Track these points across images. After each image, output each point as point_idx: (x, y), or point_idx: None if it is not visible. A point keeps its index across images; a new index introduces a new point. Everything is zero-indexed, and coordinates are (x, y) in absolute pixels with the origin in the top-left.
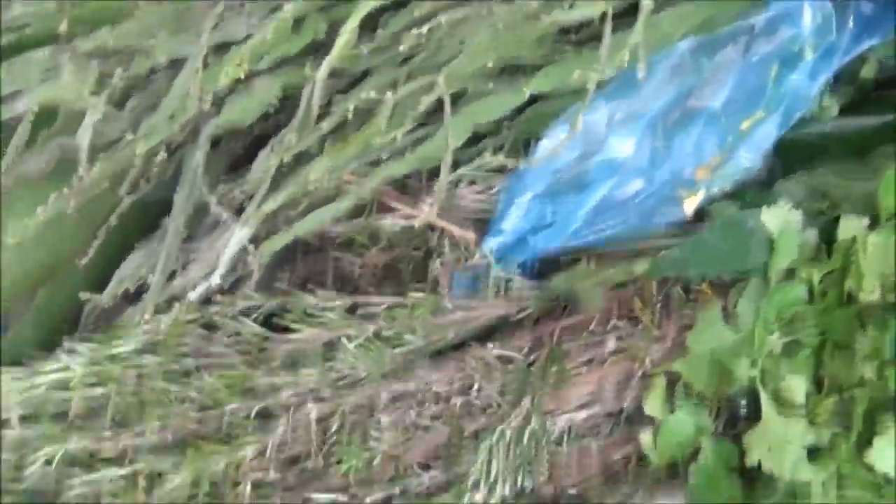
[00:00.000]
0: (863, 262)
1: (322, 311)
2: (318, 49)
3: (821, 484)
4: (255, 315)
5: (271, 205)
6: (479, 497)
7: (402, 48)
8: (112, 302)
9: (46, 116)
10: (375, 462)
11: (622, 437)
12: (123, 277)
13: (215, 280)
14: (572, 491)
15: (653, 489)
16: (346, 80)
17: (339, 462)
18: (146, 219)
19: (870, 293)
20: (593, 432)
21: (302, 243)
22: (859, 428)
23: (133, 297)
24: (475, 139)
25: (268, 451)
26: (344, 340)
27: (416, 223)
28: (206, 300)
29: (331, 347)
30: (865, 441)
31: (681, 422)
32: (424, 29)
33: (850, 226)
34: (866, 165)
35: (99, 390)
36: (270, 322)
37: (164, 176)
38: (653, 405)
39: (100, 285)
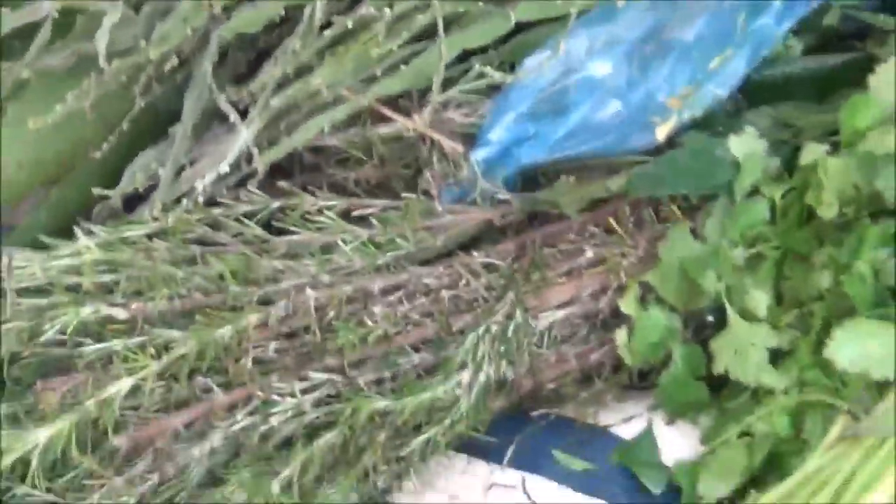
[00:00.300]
0: (823, 180)
1: (319, 216)
2: None
3: (783, 388)
4: (256, 218)
5: (276, 102)
6: (465, 376)
7: None
8: (122, 198)
9: (65, 20)
10: (370, 339)
11: (598, 341)
12: (134, 173)
13: (223, 168)
14: (551, 386)
15: (624, 392)
16: (346, 2)
17: (336, 341)
18: (157, 125)
19: (829, 209)
20: (571, 333)
21: (298, 159)
22: (817, 332)
23: (142, 199)
24: (463, 64)
25: (269, 322)
26: (339, 241)
27: (411, 128)
28: (212, 202)
29: (327, 249)
30: (823, 344)
31: (654, 320)
32: None
33: (811, 150)
34: (828, 104)
35: (109, 276)
36: (270, 226)
37: (175, 81)
38: (628, 304)
39: (112, 184)
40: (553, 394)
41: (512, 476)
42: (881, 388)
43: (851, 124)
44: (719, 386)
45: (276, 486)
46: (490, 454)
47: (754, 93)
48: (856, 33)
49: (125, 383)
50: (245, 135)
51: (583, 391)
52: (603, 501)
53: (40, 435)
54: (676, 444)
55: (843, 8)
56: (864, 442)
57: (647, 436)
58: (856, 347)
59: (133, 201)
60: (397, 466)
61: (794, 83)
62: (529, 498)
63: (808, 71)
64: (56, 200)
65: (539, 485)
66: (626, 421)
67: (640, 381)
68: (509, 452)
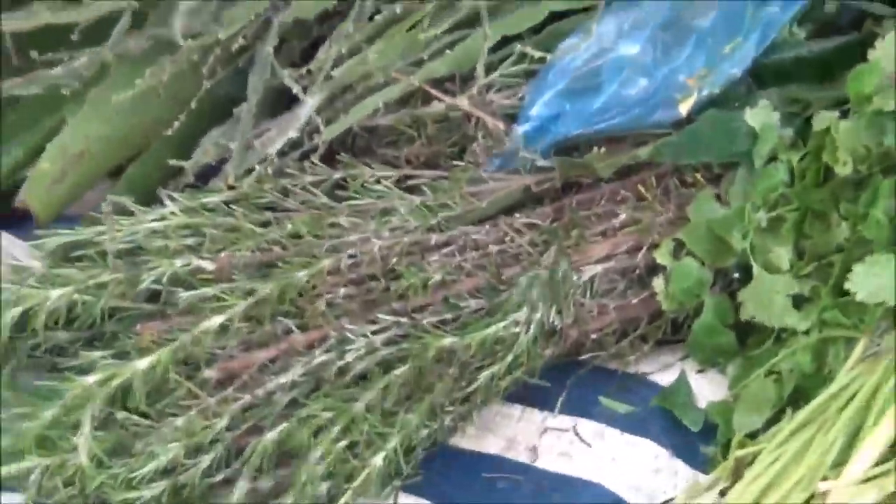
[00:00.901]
0: (837, 141)
1: (377, 185)
2: None
3: (805, 328)
4: (320, 188)
5: (336, 73)
6: (521, 315)
7: None
8: (195, 171)
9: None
10: (430, 284)
11: (636, 294)
12: (206, 148)
13: (292, 133)
14: (593, 336)
15: (659, 345)
16: None
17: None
18: (220, 108)
19: (845, 167)
20: (610, 287)
21: (351, 141)
22: (836, 277)
23: (211, 175)
24: (502, 51)
25: (340, 267)
26: (397, 203)
27: (458, 108)
28: (279, 174)
29: (386, 213)
30: (843, 290)
31: (687, 269)
32: None
33: (823, 118)
34: (831, 83)
35: (192, 239)
36: (333, 196)
37: (237, 66)
38: (663, 255)
39: (183, 160)
40: (595, 345)
41: (563, 421)
42: None
43: (858, 90)
44: (745, 337)
45: (358, 406)
46: (542, 402)
47: (763, 75)
48: (851, 22)
49: (215, 320)
50: (310, 103)
51: (622, 342)
52: (648, 439)
53: (141, 363)
54: (707, 391)
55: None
56: (883, 361)
57: (683, 381)
58: (874, 280)
59: (202, 178)
60: (462, 408)
61: (799, 65)
62: (581, 439)
63: (811, 54)
64: (133, 175)
65: (588, 427)
66: (662, 370)
67: (673, 335)
68: (560, 399)
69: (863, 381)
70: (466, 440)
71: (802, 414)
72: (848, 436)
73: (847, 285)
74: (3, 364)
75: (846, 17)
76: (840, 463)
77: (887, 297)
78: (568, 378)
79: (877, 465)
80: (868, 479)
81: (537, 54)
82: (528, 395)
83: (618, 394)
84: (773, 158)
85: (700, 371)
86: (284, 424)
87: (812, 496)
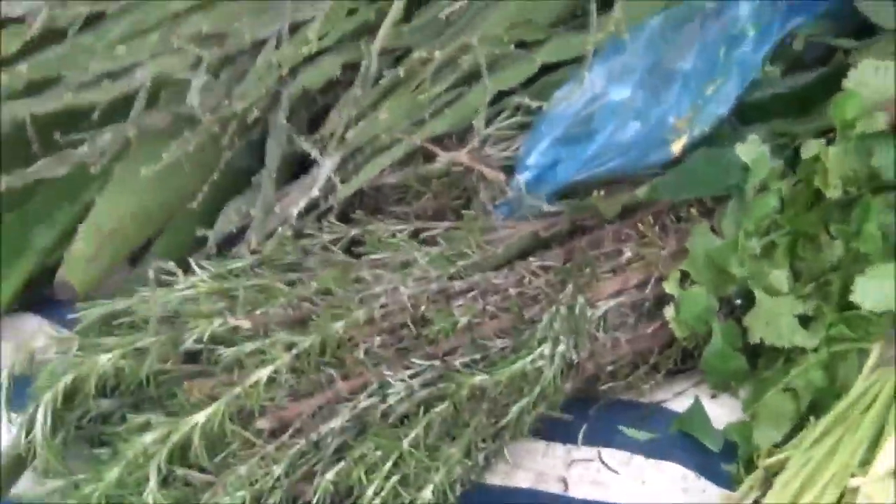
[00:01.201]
0: (826, 166)
1: (392, 239)
2: (370, 31)
3: (813, 346)
4: (337, 246)
5: (350, 135)
6: (546, 349)
7: (441, 15)
8: (220, 239)
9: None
10: (458, 327)
11: (646, 327)
12: (229, 217)
13: (313, 193)
14: (609, 369)
15: (670, 375)
16: (393, 57)
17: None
18: (238, 180)
19: (835, 190)
20: (622, 322)
21: (360, 201)
22: (838, 294)
23: (233, 243)
24: (496, 106)
25: (374, 316)
26: (416, 256)
27: (460, 163)
28: (298, 235)
29: (405, 265)
30: (845, 305)
31: (695, 297)
32: (456, 5)
33: (811, 146)
34: (811, 115)
35: (222, 303)
36: (350, 252)
37: (252, 138)
38: (671, 286)
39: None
40: (610, 377)
41: (587, 452)
42: None
43: (842, 117)
44: (754, 360)
45: (405, 444)
46: (564, 436)
47: (746, 112)
48: (817, 58)
49: (264, 372)
50: (328, 165)
51: (636, 373)
52: (673, 462)
53: (198, 417)
54: (721, 414)
55: (809, 36)
56: None
57: (698, 405)
58: (878, 289)
59: (223, 246)
60: (493, 445)
61: (778, 101)
62: (608, 467)
63: (788, 90)
64: (161, 247)
65: (613, 456)
66: (676, 397)
67: (683, 364)
68: (582, 430)
69: (880, 386)
70: (497, 477)
71: (826, 420)
72: (873, 435)
73: (853, 298)
74: (53, 437)
75: (811, 54)
76: (865, 462)
77: (892, 305)
78: (586, 411)
79: None
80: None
81: (533, 104)
82: (550, 431)
83: (636, 423)
84: (763, 189)
85: (713, 396)
86: (340, 464)
87: (843, 494)
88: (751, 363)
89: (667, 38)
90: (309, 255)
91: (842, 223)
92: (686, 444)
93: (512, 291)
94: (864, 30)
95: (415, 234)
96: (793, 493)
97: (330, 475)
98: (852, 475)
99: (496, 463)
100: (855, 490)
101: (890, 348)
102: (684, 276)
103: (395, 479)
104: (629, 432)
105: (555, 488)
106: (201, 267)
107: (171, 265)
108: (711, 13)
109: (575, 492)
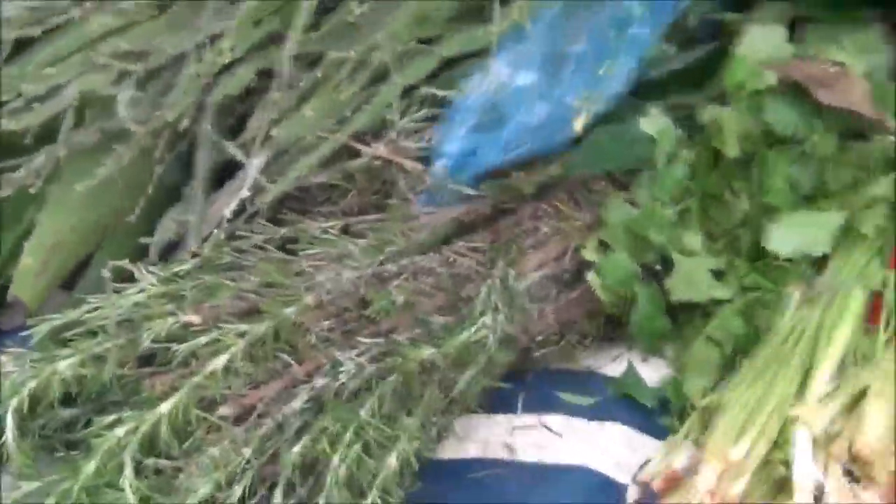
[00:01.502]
0: (724, 127)
1: (324, 234)
2: (282, 38)
3: (730, 296)
4: (272, 244)
5: (276, 136)
6: (487, 320)
7: (348, 18)
8: (161, 248)
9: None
10: (397, 304)
11: (567, 297)
12: (167, 225)
13: (243, 195)
14: (540, 338)
15: (600, 342)
16: (308, 61)
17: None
18: (174, 190)
19: (733, 149)
20: (545, 294)
21: (288, 201)
22: (748, 247)
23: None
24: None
25: (322, 300)
26: (349, 246)
27: (380, 155)
28: (233, 237)
29: (339, 258)
30: (755, 256)
31: (616, 261)
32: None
33: (709, 111)
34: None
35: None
36: (285, 250)
37: (180, 150)
38: (590, 252)
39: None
40: (542, 347)
41: (529, 419)
42: (819, 262)
43: (733, 80)
44: (678, 321)
45: (362, 414)
46: (505, 407)
47: (647, 89)
48: (711, 34)
49: (220, 360)
50: (255, 165)
51: (565, 340)
52: (614, 422)
53: (164, 407)
54: (653, 376)
55: (701, 13)
56: (820, 301)
57: (631, 368)
58: (792, 235)
59: (165, 254)
60: (443, 420)
61: (675, 77)
62: (552, 430)
63: (683, 65)
64: (102, 259)
65: (555, 421)
66: (610, 362)
67: (614, 332)
68: (521, 398)
69: (805, 323)
70: (448, 451)
71: (760, 359)
72: (804, 367)
73: (770, 247)
74: (19, 448)
75: (704, 31)
76: (800, 393)
77: (808, 248)
78: (524, 382)
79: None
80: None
81: (443, 95)
82: (493, 403)
83: (574, 389)
84: (670, 158)
85: (644, 360)
86: (304, 439)
87: (784, 424)
88: (675, 323)
89: (563, 23)
90: (246, 254)
91: (744, 180)
92: (623, 405)
93: (442, 272)
94: (750, 4)
95: (344, 229)
96: (737, 430)
97: (296, 449)
98: (790, 406)
99: (447, 437)
100: (794, 419)
101: (810, 289)
102: (602, 245)
103: (357, 447)
104: (567, 397)
105: (502, 454)
106: (149, 272)
107: (126, 267)
108: None
109: (522, 456)
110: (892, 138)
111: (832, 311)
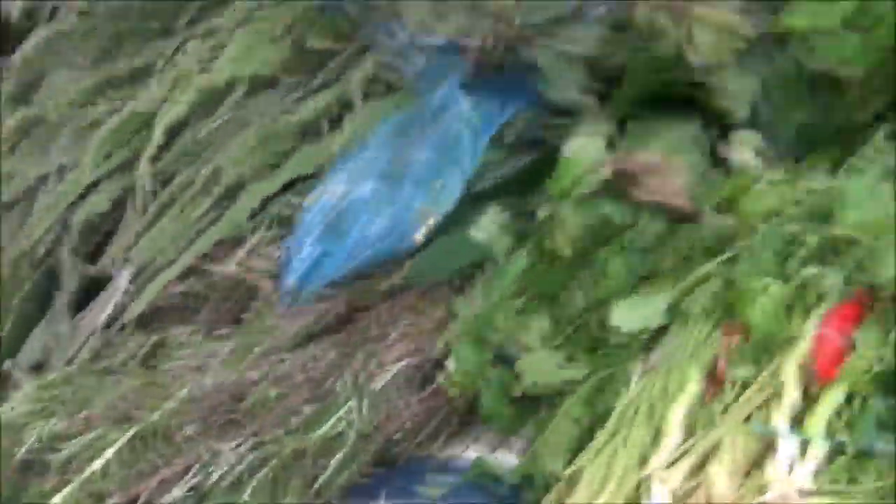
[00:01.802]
0: (558, 223)
1: (190, 341)
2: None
3: (580, 378)
4: (141, 352)
5: (134, 254)
6: (347, 413)
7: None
8: (29, 364)
9: None
10: (267, 399)
11: (425, 390)
12: (33, 344)
13: (109, 309)
14: (399, 430)
15: (458, 428)
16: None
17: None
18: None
19: (566, 248)
20: (404, 387)
21: (154, 314)
22: (592, 333)
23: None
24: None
25: (193, 397)
26: (215, 348)
27: (230, 271)
28: (104, 346)
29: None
30: (600, 339)
31: (467, 352)
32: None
33: (542, 209)
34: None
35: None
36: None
37: (43, 271)
38: (443, 345)
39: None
40: (402, 439)
41: None
42: (655, 336)
43: (562, 181)
44: (530, 405)
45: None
46: (368, 498)
47: (480, 196)
48: (533, 141)
49: (97, 463)
50: (121, 281)
51: (423, 431)
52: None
53: (55, 499)
54: (508, 460)
55: (526, 121)
56: (661, 372)
57: (485, 455)
58: (631, 313)
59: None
60: None
61: (507, 182)
62: None
63: (513, 171)
64: None
65: None
66: (466, 449)
67: (469, 418)
68: (383, 493)
69: (649, 389)
70: None
71: (608, 428)
72: (653, 431)
73: (611, 322)
74: None
75: (530, 139)
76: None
77: (647, 322)
78: (385, 475)
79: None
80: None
81: (288, 210)
82: (355, 496)
83: (433, 479)
84: (510, 253)
85: (500, 444)
86: None
87: (638, 484)
88: (528, 406)
89: (398, 139)
90: (116, 363)
91: (582, 269)
92: (482, 488)
93: (306, 369)
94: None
95: (210, 335)
96: (595, 492)
97: None
98: (642, 465)
99: None
100: (647, 478)
101: (649, 364)
102: (454, 339)
103: None
104: (425, 491)
105: None
106: (19, 387)
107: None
108: (437, 111)
109: None
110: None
111: (673, 379)
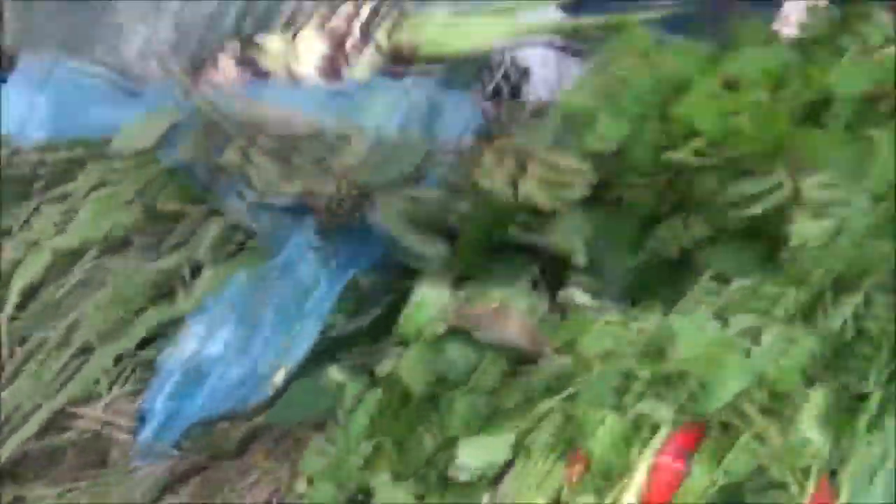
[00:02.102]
0: (403, 373)
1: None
2: None
3: None
4: None
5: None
6: None
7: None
8: None
9: None
10: None
11: None
12: None
13: None
14: None
15: None
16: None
17: None
18: None
19: (417, 389)
20: None
21: (7, 472)
22: (439, 475)
23: None
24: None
25: None
26: None
27: (88, 426)
28: None
29: None
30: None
31: (323, 493)
32: (59, 293)
33: (386, 364)
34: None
35: None
36: None
37: None
38: (297, 491)
39: None
40: None
41: None
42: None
43: (406, 331)
44: None
45: None
46: None
47: (331, 345)
48: (384, 289)
49: None
50: None
51: None
52: None
53: None
54: None
55: (371, 277)
56: None
57: None
58: (477, 450)
59: None
60: None
61: (356, 332)
62: None
63: (360, 324)
64: None
65: None
66: None
67: None
68: None
69: None
70: None
71: None
72: None
73: (462, 460)
74: None
75: (377, 292)
76: None
77: (490, 459)
78: None
79: None
80: None
81: (143, 365)
82: None
83: None
84: (356, 405)
85: None
86: None
87: None
88: None
89: (251, 294)
90: None
91: (429, 413)
92: None
93: None
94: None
95: (65, 493)
96: None
97: None
98: None
99: None
100: None
101: (496, 494)
102: (308, 484)
103: None
104: None
105: None
106: None
107: None
108: (285, 268)
109: None
110: (557, 361)
111: None
